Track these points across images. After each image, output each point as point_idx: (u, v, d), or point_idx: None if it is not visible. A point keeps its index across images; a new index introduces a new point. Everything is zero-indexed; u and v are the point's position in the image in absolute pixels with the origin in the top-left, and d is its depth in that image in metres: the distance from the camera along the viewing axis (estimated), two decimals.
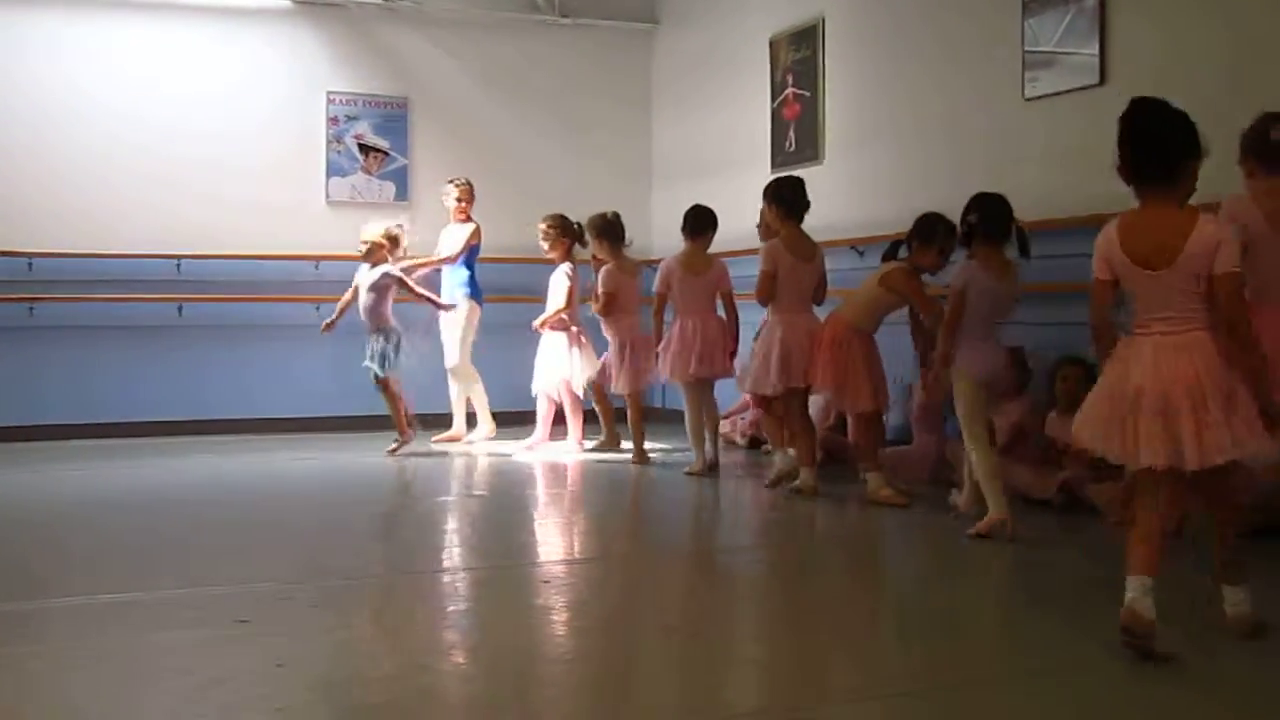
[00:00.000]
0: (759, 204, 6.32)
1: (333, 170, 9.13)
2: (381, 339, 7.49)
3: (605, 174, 9.59)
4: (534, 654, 3.41)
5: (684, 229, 6.80)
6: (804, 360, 5.86)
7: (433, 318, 8.11)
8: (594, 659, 3.39)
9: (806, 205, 6.07)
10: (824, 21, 7.85)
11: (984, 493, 4.89)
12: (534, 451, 7.64)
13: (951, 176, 6.41)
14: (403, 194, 9.27)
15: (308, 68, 9.09)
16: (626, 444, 7.33)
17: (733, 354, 6.59)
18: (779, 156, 8.28)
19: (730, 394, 7.07)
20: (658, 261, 7.60)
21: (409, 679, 3.10)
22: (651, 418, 8.20)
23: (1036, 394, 5.82)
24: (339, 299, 7.66)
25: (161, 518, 5.59)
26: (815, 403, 6.04)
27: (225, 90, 8.86)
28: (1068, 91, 5.90)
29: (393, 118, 9.30)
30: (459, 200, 8.17)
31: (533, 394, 7.80)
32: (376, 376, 7.51)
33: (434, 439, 8.06)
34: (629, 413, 7.21)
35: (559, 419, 7.75)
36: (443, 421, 8.21)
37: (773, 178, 6.42)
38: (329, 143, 9.13)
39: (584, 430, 7.68)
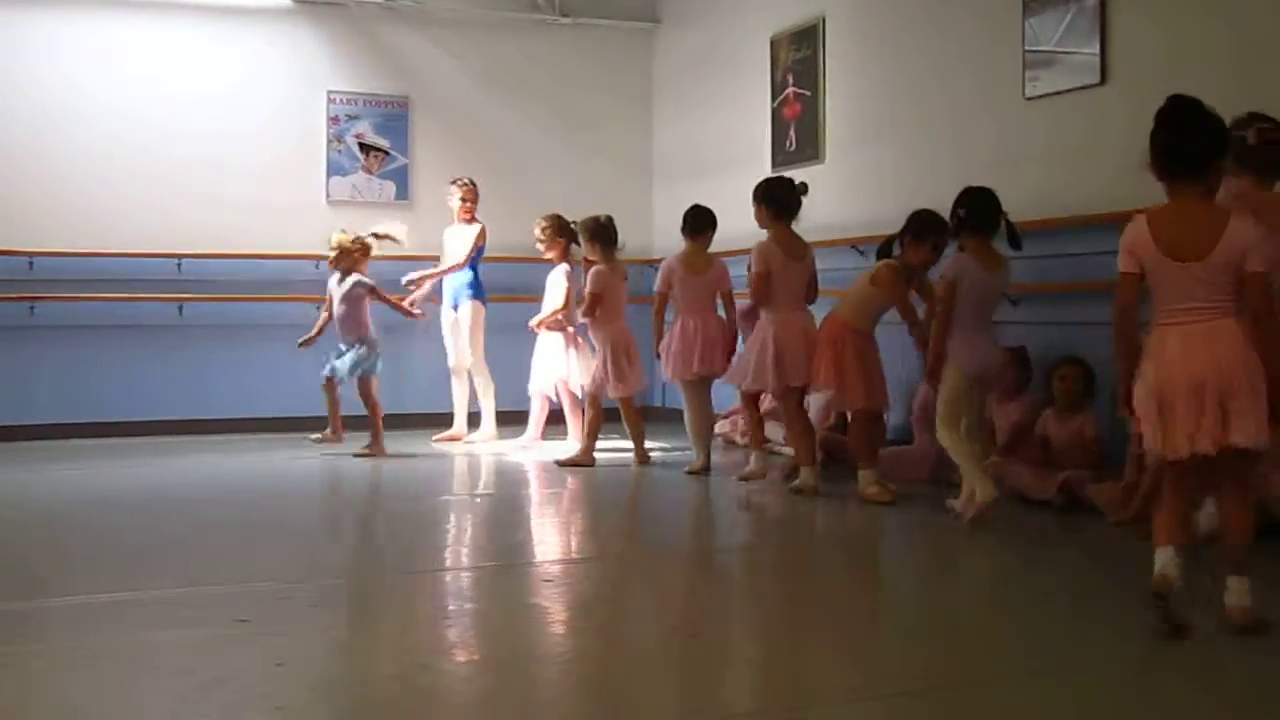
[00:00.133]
0: None
1: (333, 170, 9.13)
2: (364, 348, 7.49)
3: (606, 173, 9.59)
4: (533, 653, 3.41)
5: (683, 229, 6.81)
6: (798, 359, 5.87)
7: (433, 319, 8.11)
8: (593, 658, 3.39)
9: (797, 205, 6.08)
10: (824, 21, 7.84)
11: (967, 477, 4.90)
12: (529, 450, 7.63)
13: (952, 176, 6.38)
14: (403, 193, 9.27)
15: (308, 67, 9.08)
16: (600, 454, 7.12)
17: (733, 353, 6.59)
18: (779, 156, 8.27)
19: (730, 394, 7.06)
20: (658, 261, 7.60)
21: (409, 678, 3.10)
22: (651, 417, 8.20)
23: (1036, 394, 5.82)
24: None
25: (161, 517, 5.59)
26: (815, 402, 6.04)
27: (225, 90, 8.85)
28: (1068, 91, 5.90)
29: (393, 117, 9.29)
30: (463, 200, 8.14)
31: (529, 394, 7.80)
32: (330, 377, 7.55)
33: (434, 438, 8.07)
34: (624, 416, 7.10)
35: (557, 419, 7.74)
36: (443, 421, 8.22)
37: (762, 179, 6.43)
38: (329, 142, 9.12)
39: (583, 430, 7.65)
